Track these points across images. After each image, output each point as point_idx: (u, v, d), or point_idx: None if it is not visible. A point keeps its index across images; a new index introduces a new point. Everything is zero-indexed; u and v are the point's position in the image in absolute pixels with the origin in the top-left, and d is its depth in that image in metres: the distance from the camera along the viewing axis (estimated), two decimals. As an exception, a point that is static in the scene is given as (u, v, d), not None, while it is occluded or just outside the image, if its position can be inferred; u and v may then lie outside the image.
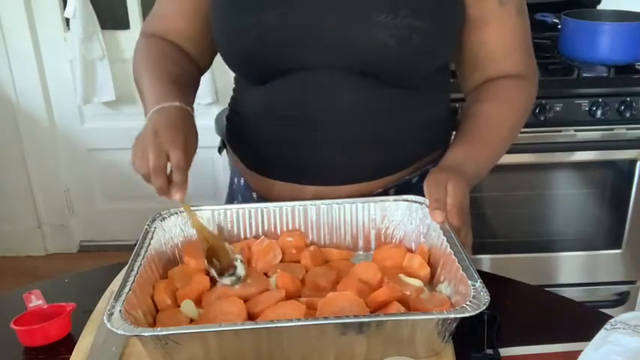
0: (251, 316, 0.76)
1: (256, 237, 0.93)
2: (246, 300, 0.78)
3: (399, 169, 1.01)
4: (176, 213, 0.92)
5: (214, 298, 0.80)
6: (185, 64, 1.02)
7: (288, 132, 0.97)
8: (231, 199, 1.14)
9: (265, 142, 1.01)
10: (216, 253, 0.84)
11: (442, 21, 0.92)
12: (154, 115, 0.87)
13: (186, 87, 0.97)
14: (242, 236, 0.94)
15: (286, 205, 0.94)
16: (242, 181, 1.08)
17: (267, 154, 1.01)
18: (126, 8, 2.48)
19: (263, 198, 1.03)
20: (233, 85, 1.09)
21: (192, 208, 0.92)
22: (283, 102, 0.96)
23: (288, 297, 0.79)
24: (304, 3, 0.90)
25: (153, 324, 0.78)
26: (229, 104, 1.10)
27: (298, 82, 0.93)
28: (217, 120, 1.85)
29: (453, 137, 1.02)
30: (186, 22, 1.03)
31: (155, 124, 0.84)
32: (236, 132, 1.08)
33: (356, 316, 0.70)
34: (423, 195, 0.92)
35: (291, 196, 0.98)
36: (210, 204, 0.98)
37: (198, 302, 0.80)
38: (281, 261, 0.89)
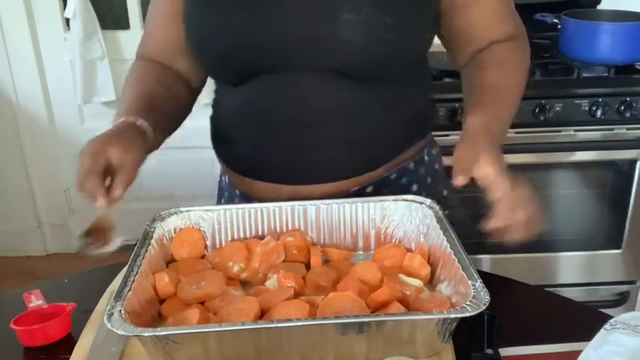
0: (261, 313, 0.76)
1: (256, 237, 0.93)
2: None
3: (377, 166, 1.01)
4: (176, 213, 0.92)
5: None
6: (171, 83, 1.01)
7: (264, 133, 0.97)
8: (220, 195, 1.15)
9: (243, 142, 1.01)
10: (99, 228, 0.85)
11: (411, 14, 0.92)
12: (115, 126, 0.88)
13: (160, 104, 0.96)
14: (242, 236, 0.94)
15: (286, 205, 0.94)
16: (227, 178, 1.10)
17: (244, 154, 1.02)
18: (126, 8, 2.48)
19: (245, 195, 1.04)
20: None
21: (195, 208, 0.93)
22: (258, 104, 0.96)
23: (294, 295, 0.79)
24: (273, 4, 0.90)
25: (155, 319, 0.78)
26: (212, 105, 1.10)
27: (272, 83, 0.93)
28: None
29: (464, 112, 0.98)
30: (172, 39, 1.02)
31: (107, 132, 0.86)
32: (217, 133, 1.08)
33: (356, 316, 0.70)
34: (400, 192, 0.95)
35: (270, 195, 0.99)
36: (211, 204, 0.98)
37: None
38: (282, 261, 0.89)
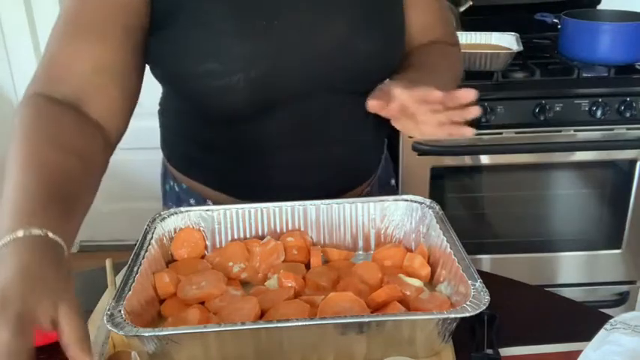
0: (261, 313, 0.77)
1: (256, 237, 0.93)
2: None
3: (355, 186, 1.04)
4: (176, 213, 0.92)
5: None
6: (86, 146, 0.73)
7: (240, 154, 0.96)
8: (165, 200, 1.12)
9: (217, 162, 1.00)
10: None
11: (398, 26, 0.96)
12: (13, 249, 0.55)
13: (74, 194, 0.67)
14: (242, 236, 0.94)
15: (286, 205, 0.94)
16: (183, 186, 1.06)
17: (219, 173, 1.01)
18: (126, 8, 2.48)
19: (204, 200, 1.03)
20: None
21: (195, 208, 0.93)
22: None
23: (294, 295, 0.79)
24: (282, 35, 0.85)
25: (155, 319, 0.78)
26: (160, 112, 1.06)
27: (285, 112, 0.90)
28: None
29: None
30: (98, 70, 0.77)
31: (13, 277, 0.53)
32: (176, 145, 1.05)
33: (356, 316, 0.70)
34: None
35: None
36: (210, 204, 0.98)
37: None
38: (282, 261, 0.89)
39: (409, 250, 0.92)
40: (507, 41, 1.84)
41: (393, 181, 1.17)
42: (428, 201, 0.93)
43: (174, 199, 1.09)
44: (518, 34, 1.83)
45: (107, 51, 0.78)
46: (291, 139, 0.94)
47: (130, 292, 0.73)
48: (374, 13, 0.91)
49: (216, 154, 0.99)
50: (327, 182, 0.99)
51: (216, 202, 1.02)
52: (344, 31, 0.88)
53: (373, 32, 0.91)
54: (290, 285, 0.81)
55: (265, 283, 0.84)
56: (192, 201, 1.05)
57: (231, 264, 0.88)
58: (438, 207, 0.92)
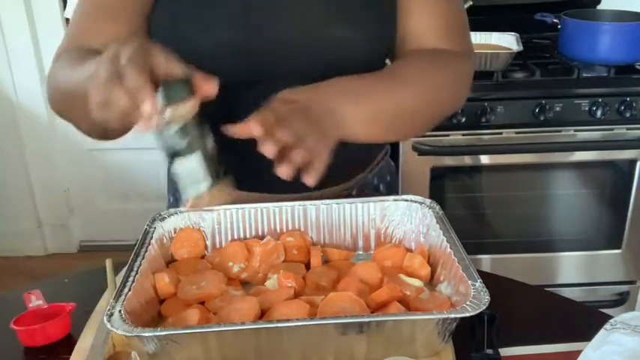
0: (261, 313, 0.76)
1: (256, 237, 0.93)
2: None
3: (357, 173, 1.02)
4: (176, 213, 0.92)
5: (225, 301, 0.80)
6: None
7: (240, 145, 0.96)
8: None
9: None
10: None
11: (381, 16, 0.93)
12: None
13: None
14: (242, 236, 0.94)
15: (286, 205, 0.94)
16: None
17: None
18: (126, 8, 2.48)
19: None
20: None
21: (194, 208, 0.93)
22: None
23: (294, 295, 0.79)
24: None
25: (155, 319, 0.78)
26: None
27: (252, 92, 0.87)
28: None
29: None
30: (122, 26, 0.88)
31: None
32: None
33: (356, 316, 0.70)
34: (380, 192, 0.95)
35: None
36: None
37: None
38: (282, 261, 0.89)
39: (409, 250, 0.92)
40: (507, 41, 1.84)
41: (382, 187, 1.12)
42: (428, 201, 0.93)
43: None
44: (518, 34, 1.83)
45: (125, 32, 0.88)
46: None
47: (130, 292, 0.73)
48: (353, 3, 0.90)
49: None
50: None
51: None
52: (320, 19, 0.88)
53: (349, 22, 0.89)
54: (290, 285, 0.81)
55: (265, 283, 0.84)
56: None
57: (231, 264, 0.88)
58: (438, 207, 0.92)
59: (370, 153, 1.06)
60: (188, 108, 0.62)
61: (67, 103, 0.86)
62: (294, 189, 0.93)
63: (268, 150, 0.67)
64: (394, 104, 0.85)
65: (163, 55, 0.63)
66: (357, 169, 1.04)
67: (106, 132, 0.88)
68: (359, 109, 0.80)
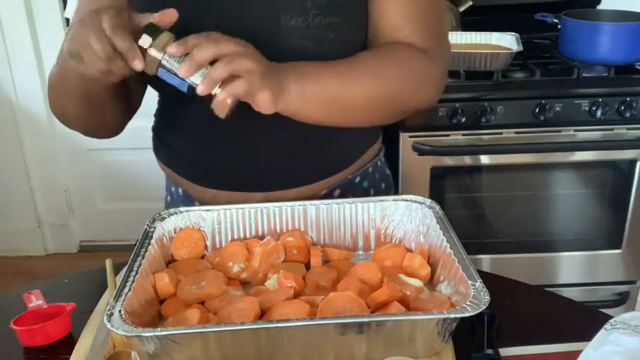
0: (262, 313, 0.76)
1: (256, 237, 0.93)
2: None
3: (339, 169, 1.02)
4: (176, 213, 0.92)
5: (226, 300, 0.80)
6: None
7: (222, 143, 0.97)
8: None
9: (198, 153, 1.00)
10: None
11: (353, 11, 0.92)
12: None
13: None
14: (242, 236, 0.94)
15: (286, 205, 0.94)
16: (180, 190, 1.07)
17: (201, 164, 1.01)
18: (126, 8, 2.48)
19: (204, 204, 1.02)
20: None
21: (195, 208, 0.93)
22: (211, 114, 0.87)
23: (294, 295, 0.79)
24: (212, 5, 0.88)
25: (155, 319, 0.78)
26: (155, 115, 1.09)
27: None
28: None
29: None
30: None
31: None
32: (167, 144, 1.05)
33: (356, 316, 0.70)
34: (367, 194, 0.96)
35: (236, 201, 0.97)
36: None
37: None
38: (282, 261, 0.89)
39: (409, 250, 0.92)
40: (507, 41, 1.84)
41: (366, 184, 1.10)
42: (428, 201, 0.93)
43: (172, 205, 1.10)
44: (518, 34, 1.83)
45: None
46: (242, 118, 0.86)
47: (130, 292, 0.73)
48: None
49: (196, 142, 1.00)
50: (289, 168, 0.99)
51: (203, 203, 1.02)
52: (281, 8, 0.87)
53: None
54: (290, 285, 0.81)
55: (265, 283, 0.84)
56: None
57: (231, 264, 0.88)
58: (438, 207, 0.92)
59: (348, 153, 1.04)
60: (167, 37, 0.76)
61: (61, 92, 0.96)
62: (264, 187, 0.97)
63: (185, 69, 0.74)
64: (342, 92, 0.87)
65: (133, 13, 0.77)
66: (331, 169, 1.02)
67: (103, 125, 1.00)
68: (306, 89, 0.83)
